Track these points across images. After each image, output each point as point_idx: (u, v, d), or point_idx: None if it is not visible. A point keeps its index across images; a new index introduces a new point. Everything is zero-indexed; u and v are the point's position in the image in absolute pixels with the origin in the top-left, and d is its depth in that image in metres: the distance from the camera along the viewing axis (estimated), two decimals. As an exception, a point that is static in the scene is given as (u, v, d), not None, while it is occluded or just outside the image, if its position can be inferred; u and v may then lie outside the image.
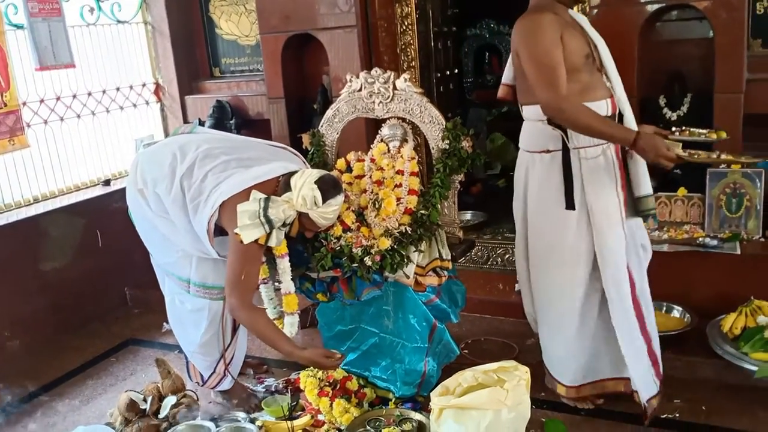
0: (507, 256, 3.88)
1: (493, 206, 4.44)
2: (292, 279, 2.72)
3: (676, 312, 3.07)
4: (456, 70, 4.81)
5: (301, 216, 2.55)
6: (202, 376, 2.99)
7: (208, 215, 2.51)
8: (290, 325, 2.74)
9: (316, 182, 2.49)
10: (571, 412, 2.72)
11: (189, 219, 2.60)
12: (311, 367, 2.87)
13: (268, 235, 2.48)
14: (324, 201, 2.49)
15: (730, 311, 2.86)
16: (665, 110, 3.36)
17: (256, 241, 2.46)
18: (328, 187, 2.52)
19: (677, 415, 2.63)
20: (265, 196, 2.47)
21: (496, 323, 3.56)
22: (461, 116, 4.80)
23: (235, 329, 2.94)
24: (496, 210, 4.35)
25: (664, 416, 2.61)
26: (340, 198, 2.58)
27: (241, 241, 2.45)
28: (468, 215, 4.28)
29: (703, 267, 3.07)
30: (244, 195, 2.49)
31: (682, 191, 3.27)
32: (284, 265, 2.65)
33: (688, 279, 3.10)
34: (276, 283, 2.80)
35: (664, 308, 3.11)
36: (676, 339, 2.87)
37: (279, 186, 2.56)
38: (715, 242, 3.11)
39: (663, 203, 3.30)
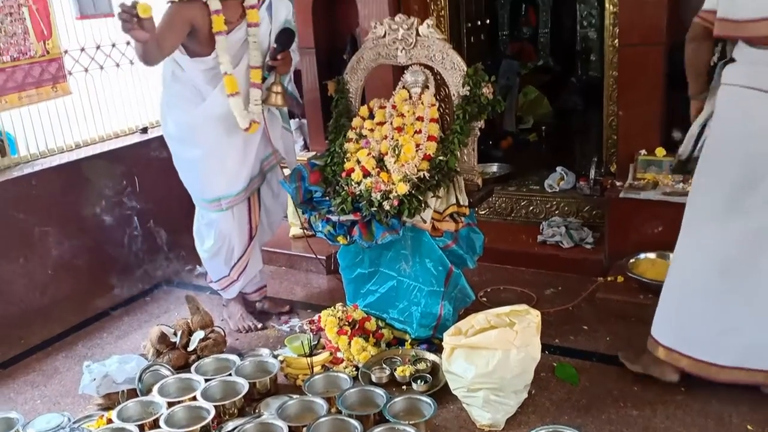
0: (531, 208, 3.90)
1: (521, 159, 4.44)
2: (316, 221, 2.87)
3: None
4: (488, 21, 4.75)
5: None
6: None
7: None
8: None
9: None
10: (582, 358, 2.78)
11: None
12: (332, 308, 2.99)
13: None
14: None
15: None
16: None
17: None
18: None
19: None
20: None
21: (517, 273, 3.61)
22: (493, 68, 4.79)
23: (250, 239, 3.17)
24: (523, 163, 4.35)
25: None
26: None
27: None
28: (494, 167, 4.29)
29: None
30: None
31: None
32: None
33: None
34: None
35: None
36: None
37: None
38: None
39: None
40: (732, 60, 2.35)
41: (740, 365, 2.38)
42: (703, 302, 2.39)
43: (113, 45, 4.30)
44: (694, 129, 2.51)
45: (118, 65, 4.35)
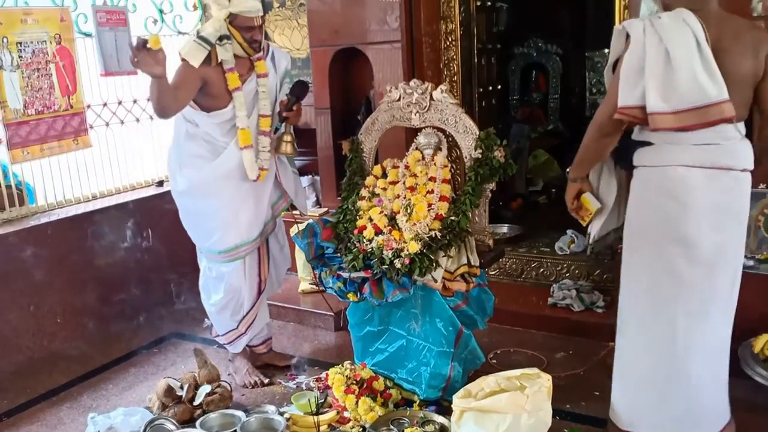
0: (541, 270, 3.90)
1: (531, 221, 4.47)
2: (327, 277, 2.89)
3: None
4: (499, 86, 4.87)
5: (232, 22, 2.83)
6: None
7: None
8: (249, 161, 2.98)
9: None
10: (593, 425, 2.73)
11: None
12: (340, 366, 2.97)
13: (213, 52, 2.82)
14: None
15: (764, 332, 2.81)
16: None
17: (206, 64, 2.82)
18: None
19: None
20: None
21: (528, 336, 3.58)
22: (504, 132, 4.88)
23: (259, 293, 3.20)
24: (533, 225, 4.38)
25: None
26: None
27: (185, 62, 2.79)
28: (505, 228, 4.32)
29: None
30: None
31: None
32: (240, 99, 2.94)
33: (722, 299, 3.05)
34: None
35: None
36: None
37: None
38: (751, 263, 3.06)
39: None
40: (647, 144, 2.28)
41: None
42: (650, 385, 2.39)
43: (134, 101, 4.42)
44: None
45: (138, 120, 4.47)
